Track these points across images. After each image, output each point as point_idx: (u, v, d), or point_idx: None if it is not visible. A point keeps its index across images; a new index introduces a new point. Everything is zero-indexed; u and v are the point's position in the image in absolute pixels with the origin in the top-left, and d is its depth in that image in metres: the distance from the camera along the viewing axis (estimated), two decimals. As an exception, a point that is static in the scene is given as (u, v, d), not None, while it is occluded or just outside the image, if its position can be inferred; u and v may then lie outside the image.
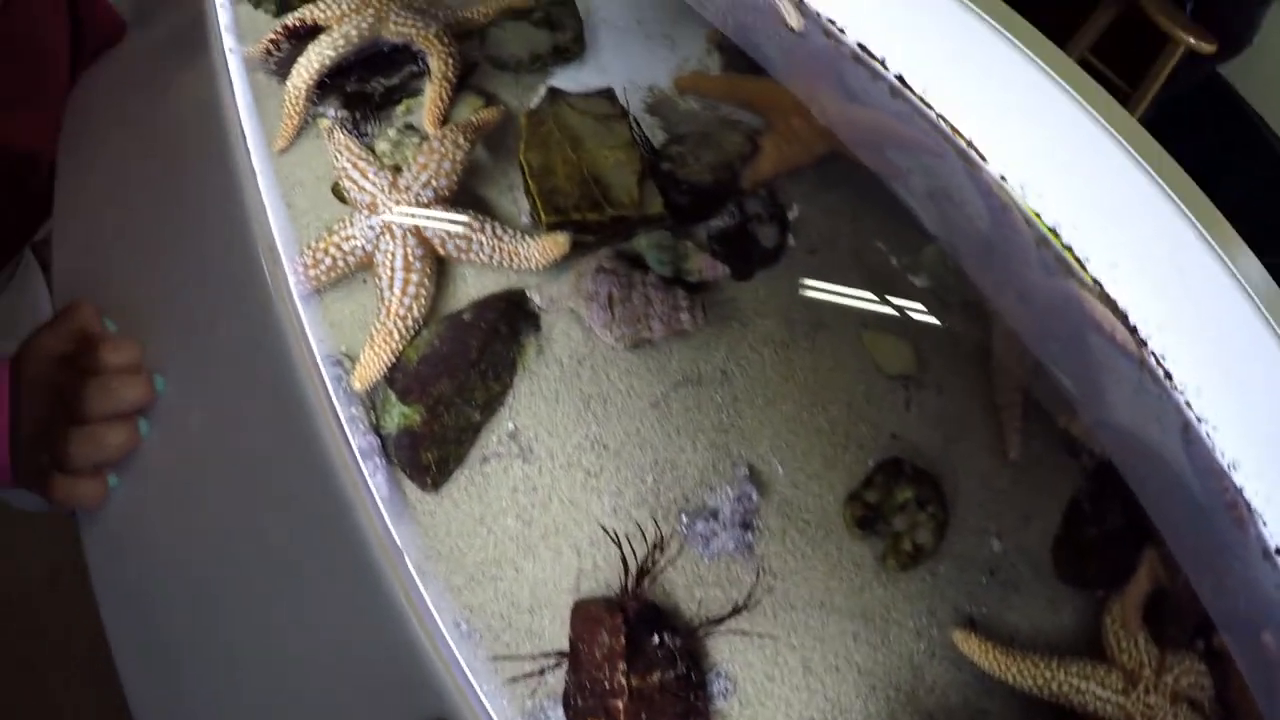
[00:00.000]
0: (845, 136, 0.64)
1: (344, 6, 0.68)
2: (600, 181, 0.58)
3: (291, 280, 0.57)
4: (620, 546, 0.52)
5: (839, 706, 0.50)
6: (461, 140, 0.61)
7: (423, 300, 0.57)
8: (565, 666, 0.50)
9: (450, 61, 0.65)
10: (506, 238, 0.58)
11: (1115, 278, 0.57)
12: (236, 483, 0.49)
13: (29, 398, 0.43)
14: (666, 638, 0.50)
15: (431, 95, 0.64)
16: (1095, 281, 0.58)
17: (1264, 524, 0.52)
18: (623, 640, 0.49)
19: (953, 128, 0.62)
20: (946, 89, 0.62)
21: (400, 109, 0.66)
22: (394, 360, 0.55)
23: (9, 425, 0.42)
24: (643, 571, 0.52)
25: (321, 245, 0.59)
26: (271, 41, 0.68)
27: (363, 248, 0.58)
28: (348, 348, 0.58)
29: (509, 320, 0.57)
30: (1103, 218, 0.58)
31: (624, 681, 0.48)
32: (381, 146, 0.63)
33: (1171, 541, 0.56)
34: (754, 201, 0.62)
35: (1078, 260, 0.58)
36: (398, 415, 0.54)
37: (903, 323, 0.62)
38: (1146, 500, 0.56)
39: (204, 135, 0.61)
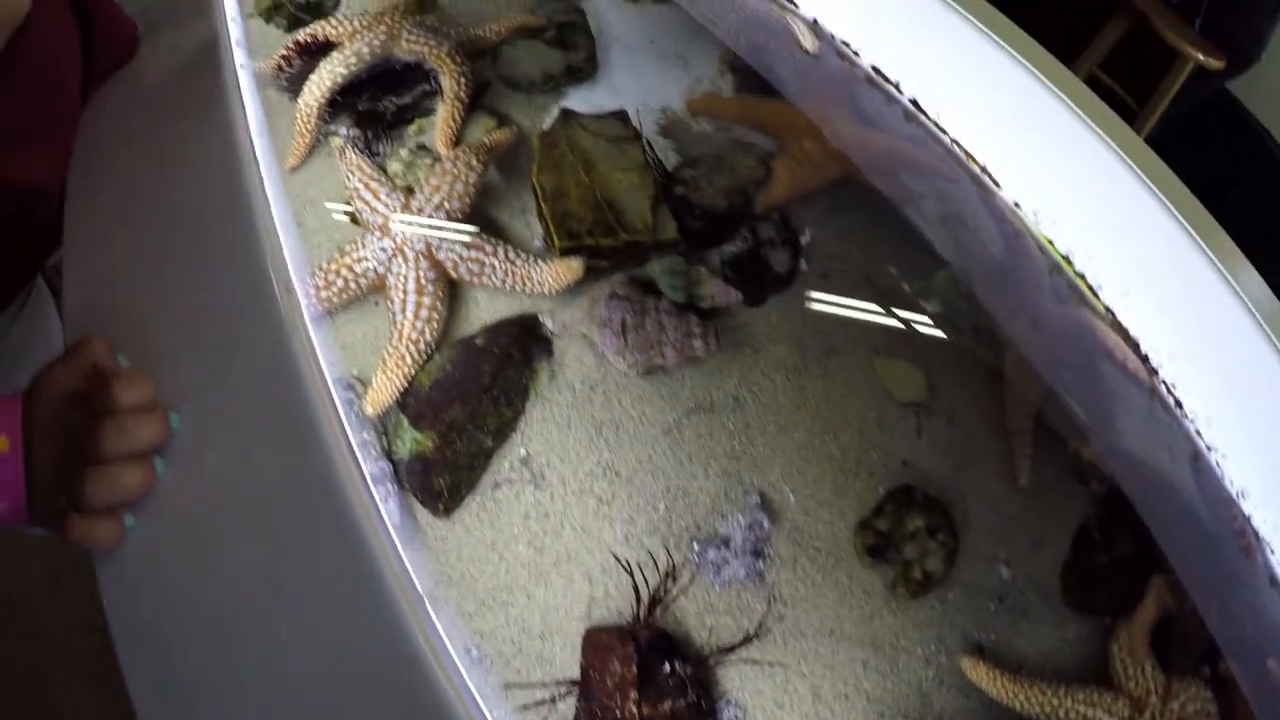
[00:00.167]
0: (859, 160, 0.64)
1: (356, 23, 0.67)
2: (614, 205, 0.58)
3: (303, 302, 0.56)
4: (632, 576, 0.52)
5: (848, 735, 0.50)
6: (474, 162, 0.61)
7: (435, 324, 0.57)
8: (576, 694, 0.50)
9: (463, 81, 0.65)
10: (519, 262, 0.58)
11: (1127, 306, 0.57)
12: (250, 514, 0.49)
13: (42, 436, 0.43)
14: (678, 666, 0.50)
15: (444, 115, 0.64)
16: (1107, 309, 0.58)
17: (1271, 552, 0.52)
18: (635, 669, 0.49)
19: (967, 153, 0.62)
20: (961, 114, 0.62)
21: (412, 128, 0.66)
22: (406, 385, 0.55)
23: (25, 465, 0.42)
24: (655, 600, 0.52)
25: (333, 267, 0.58)
26: (283, 57, 0.68)
27: (375, 270, 0.58)
28: (359, 371, 0.58)
29: (522, 345, 0.56)
30: (1116, 246, 0.58)
31: (635, 710, 0.48)
32: (394, 167, 0.63)
33: (1179, 568, 0.56)
34: (767, 226, 0.62)
35: (1090, 288, 0.58)
36: (410, 441, 0.54)
37: (914, 348, 0.62)
38: (1155, 527, 0.56)
39: (215, 154, 0.61)
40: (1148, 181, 0.57)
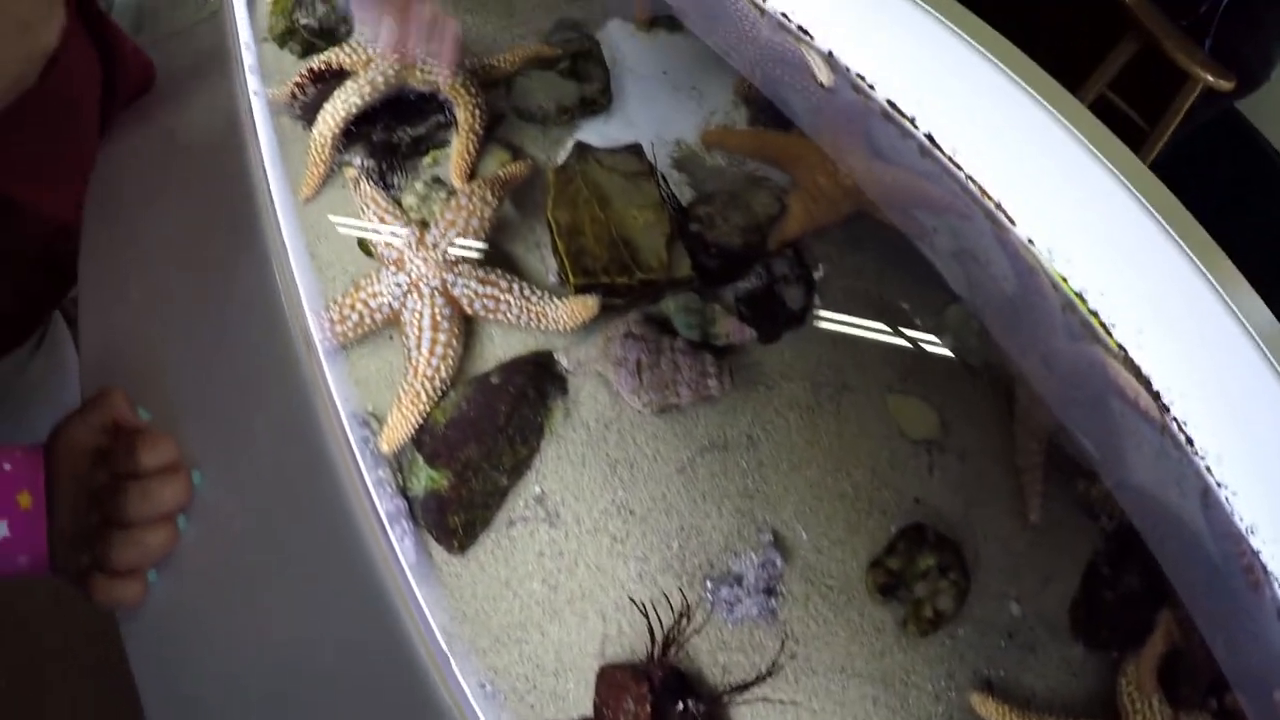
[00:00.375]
0: (872, 194, 0.64)
1: (370, 51, 0.67)
2: (629, 243, 0.58)
3: (316, 335, 0.57)
4: (647, 617, 0.52)
5: (859, 774, 0.51)
6: (489, 196, 0.61)
7: (450, 360, 0.57)
8: (590, 733, 0.50)
9: (477, 113, 0.65)
10: (534, 298, 0.58)
11: (1140, 344, 0.58)
12: (266, 554, 0.49)
13: (62, 493, 0.43)
14: (691, 705, 0.50)
15: (458, 148, 0.64)
16: (1120, 347, 0.58)
17: (1279, 586, 0.52)
18: (649, 708, 0.49)
19: (981, 189, 0.62)
20: (976, 150, 0.62)
21: (427, 160, 0.66)
22: (421, 422, 0.56)
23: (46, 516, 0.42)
24: (669, 640, 0.52)
25: (348, 301, 0.59)
26: (297, 85, 0.68)
27: (390, 305, 0.58)
28: (374, 407, 0.58)
29: (536, 384, 0.57)
30: (1130, 285, 0.58)
31: (649, 749, 0.49)
32: (409, 200, 0.63)
33: (1188, 601, 0.56)
34: (781, 262, 0.62)
35: (1103, 326, 0.59)
36: (425, 478, 0.54)
37: (926, 385, 0.62)
38: (1164, 561, 0.57)
39: (228, 188, 0.61)
40: (1163, 222, 0.57)
